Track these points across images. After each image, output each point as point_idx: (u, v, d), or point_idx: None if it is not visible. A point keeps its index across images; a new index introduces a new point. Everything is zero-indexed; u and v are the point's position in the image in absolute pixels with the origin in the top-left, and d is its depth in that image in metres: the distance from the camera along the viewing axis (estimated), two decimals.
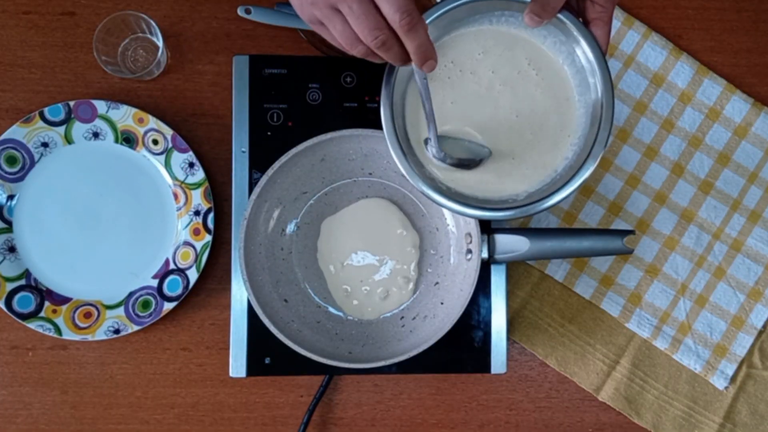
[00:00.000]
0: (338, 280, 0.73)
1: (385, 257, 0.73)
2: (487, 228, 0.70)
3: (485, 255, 0.68)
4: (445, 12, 0.59)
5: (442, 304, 0.71)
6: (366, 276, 0.72)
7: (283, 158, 0.66)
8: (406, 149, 0.61)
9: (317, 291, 0.73)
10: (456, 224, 0.72)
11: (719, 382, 0.79)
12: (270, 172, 0.67)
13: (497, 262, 0.70)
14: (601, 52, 0.59)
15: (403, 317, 0.72)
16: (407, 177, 0.61)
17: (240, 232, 0.66)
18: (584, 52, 0.60)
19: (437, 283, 0.72)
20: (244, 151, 0.72)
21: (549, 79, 0.63)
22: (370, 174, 0.73)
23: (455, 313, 0.65)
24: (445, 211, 0.72)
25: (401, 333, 0.71)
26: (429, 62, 0.53)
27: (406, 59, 0.53)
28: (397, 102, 0.61)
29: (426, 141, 0.62)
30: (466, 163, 0.62)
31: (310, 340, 0.68)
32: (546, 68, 0.63)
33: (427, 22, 0.59)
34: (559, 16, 0.58)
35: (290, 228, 0.72)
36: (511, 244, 0.68)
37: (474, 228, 0.67)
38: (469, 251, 0.69)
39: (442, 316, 0.69)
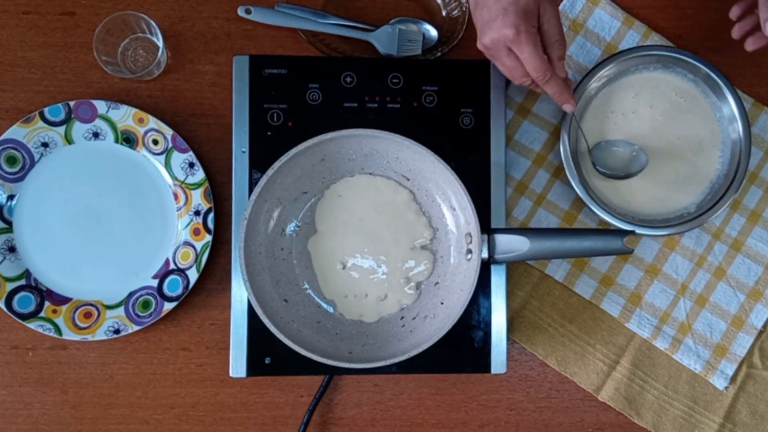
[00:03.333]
0: (336, 283, 0.73)
1: (386, 257, 0.73)
2: (487, 228, 0.70)
3: (485, 255, 0.68)
4: (592, 75, 0.76)
5: (442, 304, 0.71)
6: (366, 276, 0.72)
7: (283, 158, 0.66)
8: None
9: (317, 291, 0.73)
10: (456, 224, 0.72)
11: (719, 382, 0.79)
12: (270, 172, 0.67)
13: (497, 262, 0.70)
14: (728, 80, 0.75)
15: (403, 317, 0.72)
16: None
17: (240, 232, 0.66)
18: (713, 77, 0.76)
19: (437, 283, 0.72)
20: (244, 151, 0.72)
21: (694, 103, 0.78)
22: (371, 174, 0.73)
23: (455, 313, 0.65)
24: (445, 210, 0.72)
25: (401, 333, 0.71)
26: (565, 105, 0.69)
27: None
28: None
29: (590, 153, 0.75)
30: (621, 174, 0.74)
31: (310, 340, 0.68)
32: (689, 95, 0.78)
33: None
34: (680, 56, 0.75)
35: (290, 228, 0.72)
36: (511, 244, 0.68)
37: (474, 228, 0.67)
38: (470, 251, 0.69)
39: (442, 316, 0.69)
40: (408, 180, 0.73)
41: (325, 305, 0.73)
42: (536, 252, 0.67)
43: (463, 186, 0.66)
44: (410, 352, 0.65)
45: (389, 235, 0.73)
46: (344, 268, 0.72)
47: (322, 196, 0.73)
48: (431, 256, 0.73)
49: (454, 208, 0.71)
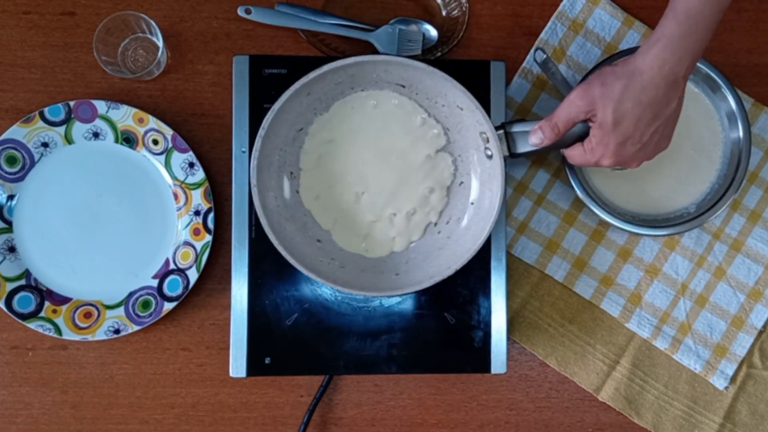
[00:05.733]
0: (363, 212, 0.72)
1: (406, 169, 0.72)
2: (501, 124, 0.69)
3: (506, 152, 0.68)
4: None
5: (472, 204, 0.71)
6: (390, 195, 0.72)
7: (269, 115, 0.66)
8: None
9: (352, 229, 0.73)
10: (467, 122, 0.70)
11: (719, 382, 0.79)
12: (261, 132, 0.66)
13: (518, 156, 0.69)
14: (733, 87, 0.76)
15: (437, 224, 0.72)
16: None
17: (256, 202, 0.66)
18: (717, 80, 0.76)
19: (462, 183, 0.72)
20: (244, 151, 0.72)
21: (694, 103, 0.77)
22: (362, 90, 0.71)
23: (496, 205, 0.66)
24: (451, 110, 0.71)
25: (441, 241, 0.71)
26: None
27: None
28: None
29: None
30: (618, 167, 0.70)
31: (363, 278, 0.69)
32: (689, 95, 0.73)
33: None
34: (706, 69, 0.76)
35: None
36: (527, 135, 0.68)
37: (486, 125, 0.66)
38: (488, 149, 0.68)
39: (473, 215, 0.69)
40: (404, 87, 0.70)
41: (361, 239, 0.72)
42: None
43: (462, 86, 0.65)
44: (458, 262, 0.65)
45: (403, 146, 0.71)
46: (364, 194, 0.72)
47: (323, 130, 0.71)
48: (449, 156, 0.72)
49: (461, 108, 0.69)
